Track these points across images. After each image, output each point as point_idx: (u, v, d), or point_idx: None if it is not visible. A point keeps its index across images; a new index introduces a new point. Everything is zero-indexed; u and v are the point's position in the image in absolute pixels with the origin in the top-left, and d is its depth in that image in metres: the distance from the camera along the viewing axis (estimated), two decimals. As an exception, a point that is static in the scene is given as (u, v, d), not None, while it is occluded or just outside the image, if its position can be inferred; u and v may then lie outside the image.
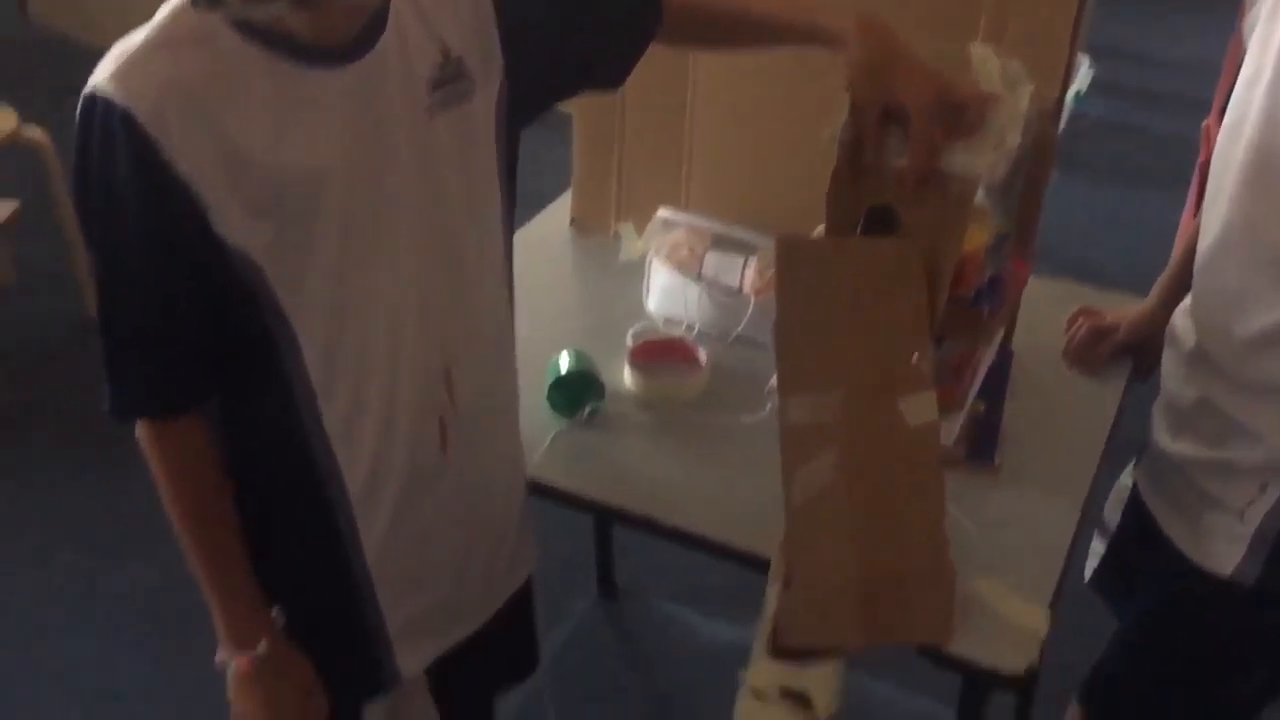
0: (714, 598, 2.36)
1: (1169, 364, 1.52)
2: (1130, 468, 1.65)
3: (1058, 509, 1.45)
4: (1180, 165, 2.82)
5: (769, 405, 1.55)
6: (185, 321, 1.10)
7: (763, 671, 1.29)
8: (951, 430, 1.47)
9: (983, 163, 1.27)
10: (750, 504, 1.43)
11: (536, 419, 1.55)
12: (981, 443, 1.51)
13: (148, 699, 2.19)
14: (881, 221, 1.32)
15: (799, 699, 1.28)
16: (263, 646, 1.22)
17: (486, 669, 1.52)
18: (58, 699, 2.19)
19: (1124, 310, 1.72)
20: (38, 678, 2.23)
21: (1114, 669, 1.58)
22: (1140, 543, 1.59)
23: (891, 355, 1.27)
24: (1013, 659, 1.25)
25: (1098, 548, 1.74)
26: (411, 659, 1.34)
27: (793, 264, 1.30)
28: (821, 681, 1.28)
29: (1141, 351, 1.71)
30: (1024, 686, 1.30)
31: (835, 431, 1.25)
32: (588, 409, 1.56)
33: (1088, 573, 1.75)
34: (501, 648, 1.53)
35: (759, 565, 1.35)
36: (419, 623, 1.33)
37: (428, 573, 1.32)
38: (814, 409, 1.25)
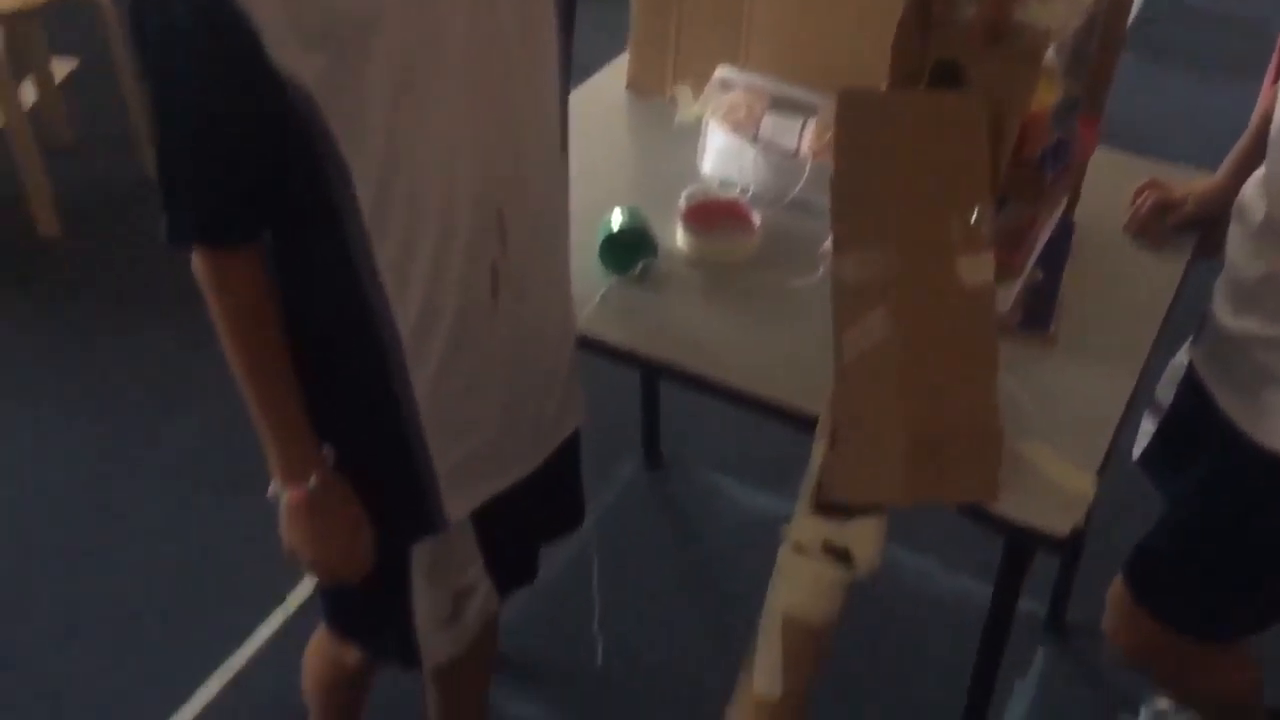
0: (758, 470, 2.37)
1: (1235, 239, 1.49)
2: (1186, 346, 1.63)
3: (1111, 380, 1.43)
4: (1260, 53, 2.71)
5: (821, 269, 1.53)
6: (240, 150, 1.10)
7: (805, 526, 1.30)
8: (1008, 297, 1.45)
9: (1056, 15, 1.22)
10: (799, 364, 1.43)
11: (588, 275, 1.54)
12: (1037, 311, 1.48)
13: (206, 540, 2.26)
14: (947, 77, 1.29)
15: (840, 554, 1.29)
16: (313, 481, 1.25)
17: (532, 519, 1.54)
18: (119, 539, 2.27)
19: (1192, 184, 1.67)
20: (101, 519, 2.31)
21: (1160, 547, 1.58)
22: (1194, 421, 1.57)
23: (951, 214, 1.25)
24: (1058, 521, 1.25)
25: (1148, 427, 1.73)
26: (458, 503, 1.37)
27: (853, 117, 1.27)
28: (863, 537, 1.28)
29: (1208, 227, 1.67)
30: (1068, 550, 1.30)
31: (889, 289, 1.24)
32: (639, 266, 1.56)
33: (1136, 451, 1.74)
34: (547, 499, 1.55)
35: (805, 424, 1.35)
36: (466, 467, 1.35)
37: (476, 418, 1.33)
38: (869, 265, 1.24)
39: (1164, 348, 1.57)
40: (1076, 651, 2.11)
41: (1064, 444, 1.33)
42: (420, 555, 1.40)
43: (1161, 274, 1.61)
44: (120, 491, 2.37)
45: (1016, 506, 1.26)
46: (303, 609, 2.12)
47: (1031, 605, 2.12)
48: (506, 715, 1.96)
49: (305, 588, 2.14)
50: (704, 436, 2.48)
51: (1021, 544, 1.32)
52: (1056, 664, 2.09)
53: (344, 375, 1.27)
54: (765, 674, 1.28)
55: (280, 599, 2.15)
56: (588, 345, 1.48)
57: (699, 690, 1.95)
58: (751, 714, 1.29)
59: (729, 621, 2.15)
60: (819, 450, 1.29)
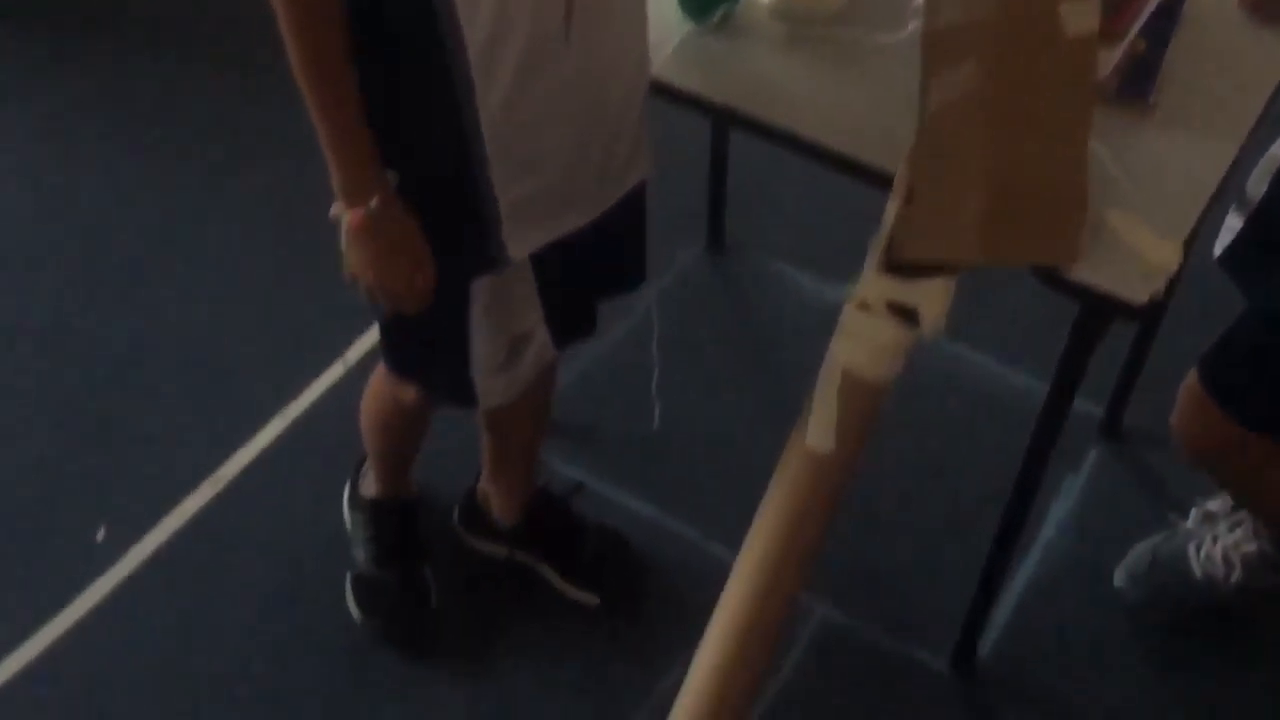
0: (822, 261, 2.33)
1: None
2: (1286, 136, 1.55)
3: (1207, 155, 1.36)
4: None
5: (911, 25, 1.46)
6: None
7: (872, 284, 1.27)
8: (1108, 62, 1.37)
9: None
10: (879, 123, 1.37)
11: (665, 20, 1.48)
12: (1137, 80, 1.41)
13: (269, 292, 2.29)
14: None
15: (905, 314, 1.27)
16: (375, 202, 1.24)
17: (593, 272, 1.53)
18: (185, 284, 2.30)
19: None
20: (167, 264, 2.34)
21: (1241, 342, 1.53)
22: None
23: (1056, -43, 1.17)
24: (1137, 289, 1.21)
25: (1233, 223, 1.65)
26: (520, 241, 1.35)
27: None
28: (931, 297, 1.26)
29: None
30: (1145, 320, 1.26)
31: (984, 35, 1.17)
32: (719, 13, 1.49)
33: (1218, 249, 1.67)
34: (609, 253, 1.53)
35: (881, 183, 1.31)
36: (530, 204, 1.33)
37: (542, 154, 1.30)
38: (964, 7, 1.17)
39: (1261, 137, 1.49)
40: (1130, 454, 2.10)
41: (1151, 213, 1.28)
42: (479, 293, 1.39)
43: (1272, 51, 1.51)
44: (187, 238, 2.39)
45: (1094, 272, 1.22)
46: (362, 363, 2.15)
47: (1089, 407, 2.10)
48: (555, 474, 2.00)
49: (365, 342, 2.17)
50: (769, 224, 2.44)
51: (1096, 312, 1.28)
52: (1108, 464, 2.08)
53: (410, 94, 1.24)
54: (819, 429, 1.28)
55: (340, 353, 2.18)
56: (660, 91, 1.43)
57: (750, 465, 1.96)
58: (801, 467, 1.29)
59: (784, 405, 2.15)
60: (893, 206, 1.25)
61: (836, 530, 1.95)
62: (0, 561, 1.92)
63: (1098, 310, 1.26)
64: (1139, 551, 1.92)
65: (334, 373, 2.15)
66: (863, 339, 1.27)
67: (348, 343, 2.19)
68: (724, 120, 1.51)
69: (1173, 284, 1.30)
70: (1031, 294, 2.23)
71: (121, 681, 1.80)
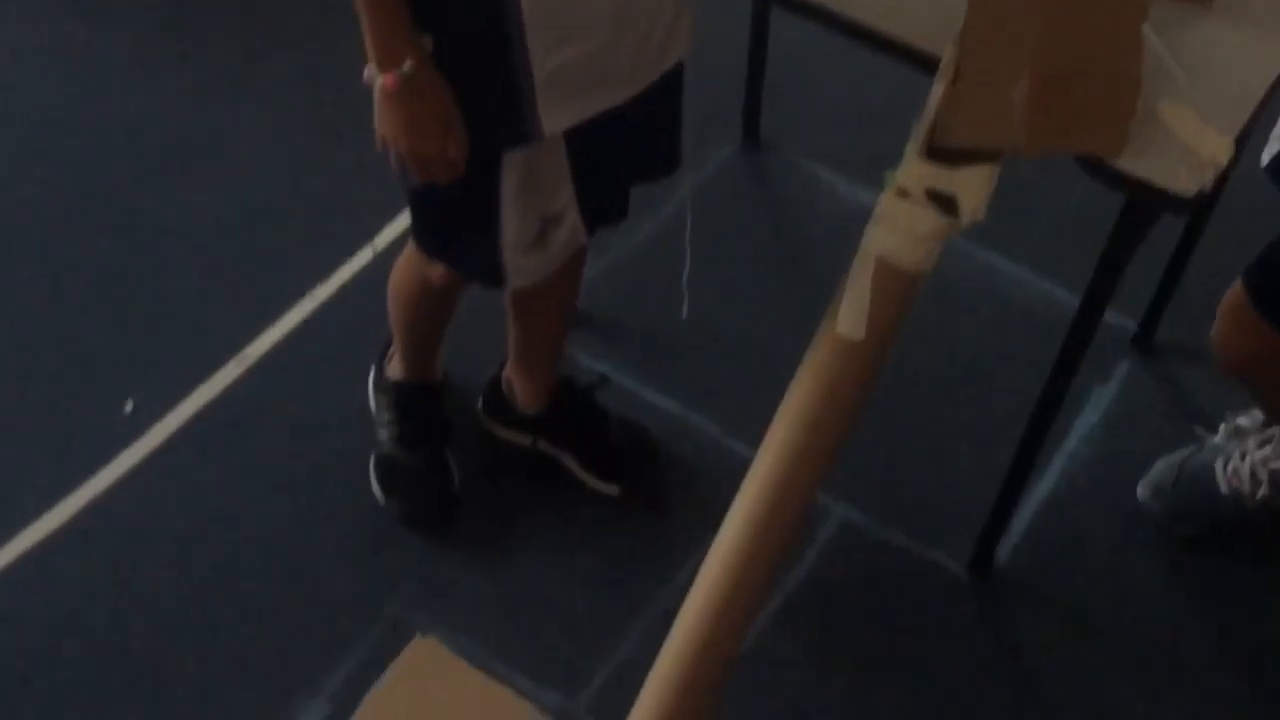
0: (859, 164, 2.29)
1: None
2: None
3: (1264, 53, 1.32)
4: None
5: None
6: None
7: (912, 170, 1.25)
8: (1167, -51, 1.33)
9: None
10: (926, 3, 1.33)
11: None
12: (1197, -30, 1.36)
13: (299, 176, 2.27)
14: None
15: (944, 202, 1.24)
16: (408, 65, 1.22)
17: (627, 154, 1.51)
18: (215, 166, 2.29)
19: None
20: (198, 145, 2.32)
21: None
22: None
23: None
24: (1185, 182, 1.18)
25: (1284, 132, 1.62)
26: (554, 114, 1.33)
27: None
28: (972, 185, 1.23)
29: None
30: (1193, 214, 1.23)
31: (1041, -89, 1.13)
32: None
33: (1266, 157, 1.63)
34: (644, 135, 1.51)
35: (925, 68, 1.27)
36: (565, 77, 1.30)
37: (581, 23, 1.27)
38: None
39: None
40: (1161, 369, 2.08)
41: (1204, 107, 1.24)
42: (511, 169, 1.38)
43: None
44: (220, 118, 2.37)
45: (1142, 163, 1.19)
46: (391, 249, 2.14)
47: (1122, 320, 2.07)
48: (580, 367, 2.00)
49: (395, 229, 2.16)
50: (806, 123, 2.40)
51: (1142, 205, 1.25)
52: (1138, 378, 2.06)
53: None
54: (850, 315, 1.26)
55: (370, 238, 2.17)
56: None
57: (775, 365, 1.95)
58: (830, 353, 1.28)
59: (813, 307, 2.13)
60: (938, 89, 1.22)
61: (859, 432, 1.95)
62: (31, 431, 1.95)
63: (1143, 202, 1.23)
64: (1164, 465, 1.91)
65: (362, 257, 2.15)
66: (899, 226, 1.25)
67: (377, 228, 2.17)
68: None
69: (1221, 181, 1.26)
70: (1070, 206, 2.25)
71: (146, 551, 1.83)
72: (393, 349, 1.90)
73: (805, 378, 1.29)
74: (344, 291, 2.11)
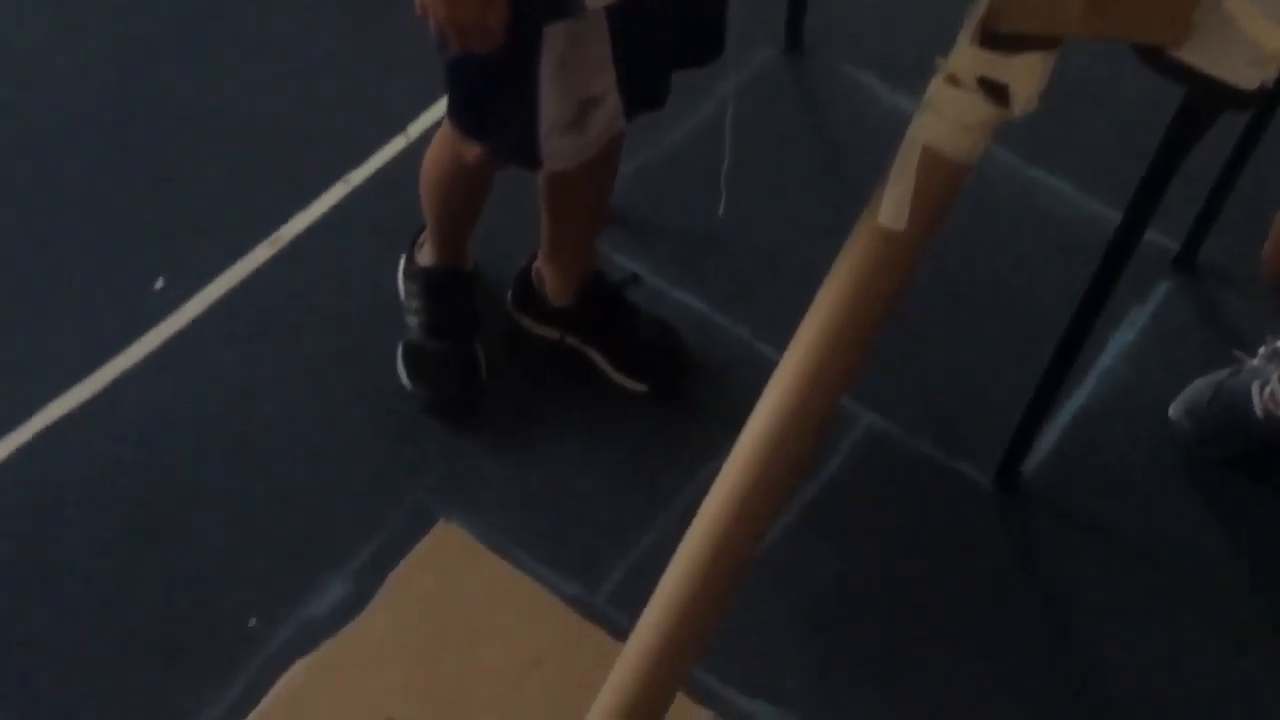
0: (903, 69, 2.24)
1: None
2: None
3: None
4: None
5: None
6: None
7: (964, 57, 1.21)
8: None
9: None
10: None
11: None
12: None
13: (331, 61, 2.24)
14: None
15: (996, 91, 1.21)
16: (451, -73, 1.19)
17: (669, 38, 1.47)
18: (247, 50, 2.26)
19: None
20: (231, 28, 2.29)
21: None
22: None
23: None
24: (1247, 75, 1.14)
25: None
26: (598, -10, 1.30)
27: None
28: (1026, 74, 1.19)
29: None
30: (1254, 111, 1.20)
31: None
32: None
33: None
34: (687, 20, 1.47)
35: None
36: (611, -51, 1.27)
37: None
38: None
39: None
40: (1201, 290, 2.04)
41: (1266, 4, 1.20)
42: (551, 44, 1.35)
43: None
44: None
45: (1202, 55, 1.15)
46: (424, 137, 2.11)
47: (1164, 240, 2.03)
48: (611, 265, 1.98)
49: (429, 117, 2.13)
50: (850, 27, 2.34)
51: (1202, 98, 1.21)
52: (1177, 299, 2.02)
53: None
54: (893, 204, 1.23)
55: (403, 126, 2.14)
56: None
57: (808, 272, 1.93)
58: (869, 244, 1.25)
59: (849, 215, 2.10)
60: (995, -29, 1.18)
61: (890, 339, 1.93)
62: (63, 304, 1.95)
63: (1203, 97, 1.19)
64: (1198, 386, 1.89)
65: (396, 145, 2.12)
66: (948, 114, 1.21)
67: (412, 116, 2.14)
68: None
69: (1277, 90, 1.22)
70: (1117, 124, 2.20)
71: (173, 426, 1.84)
72: (424, 236, 1.89)
73: (842, 268, 1.26)
74: (377, 178, 2.09)
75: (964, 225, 2.09)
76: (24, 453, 1.79)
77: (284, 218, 2.03)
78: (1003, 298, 2.03)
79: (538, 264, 1.88)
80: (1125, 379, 1.95)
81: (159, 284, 1.96)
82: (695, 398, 1.92)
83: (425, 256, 1.88)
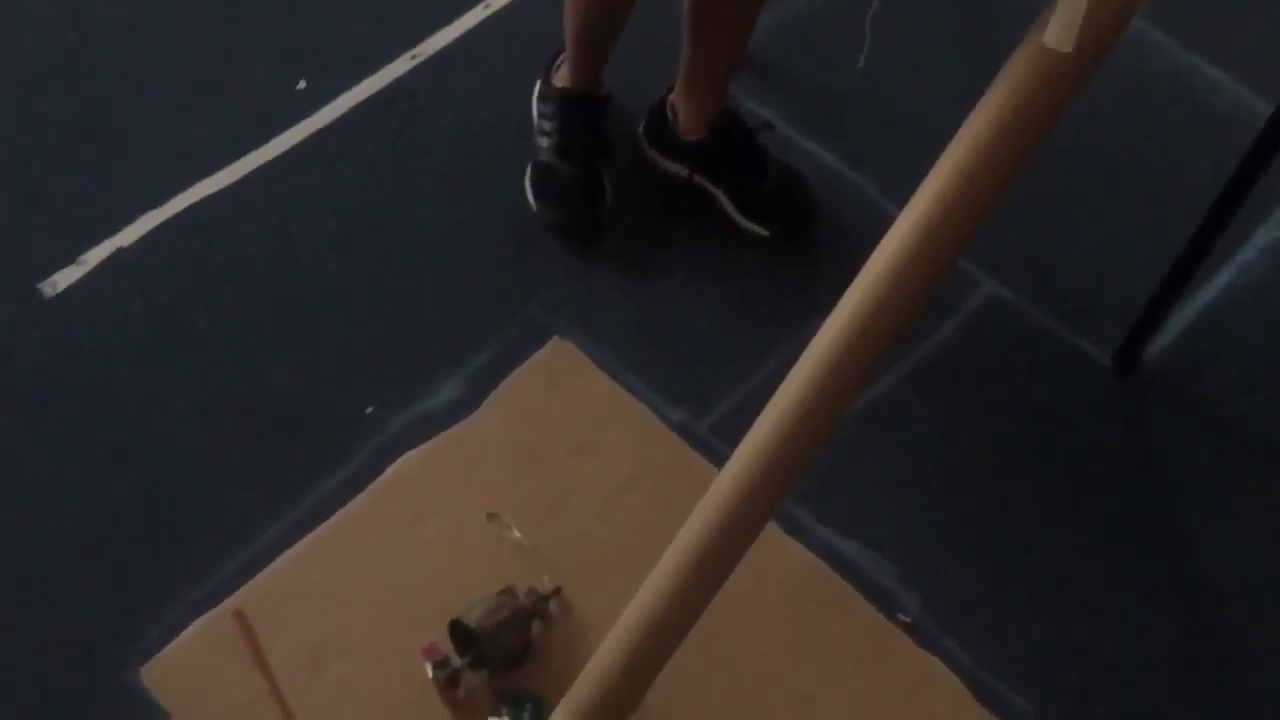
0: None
1: None
2: None
3: None
4: None
5: None
6: None
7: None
8: None
9: None
10: None
11: None
12: None
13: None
14: None
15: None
16: None
17: None
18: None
19: None
20: None
21: None
22: None
23: None
24: None
25: None
26: None
27: None
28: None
29: None
30: None
31: None
32: None
33: None
34: None
35: None
36: None
37: None
38: None
39: None
40: (1355, 196, 1.97)
41: None
42: None
43: None
44: None
45: None
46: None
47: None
48: (745, 112, 1.96)
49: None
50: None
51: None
52: (1327, 202, 1.96)
53: None
54: (1061, 25, 1.19)
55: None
56: None
57: (946, 137, 1.92)
58: (1031, 65, 1.22)
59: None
60: None
61: (1019, 206, 1.90)
62: (211, 95, 1.99)
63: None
64: (1340, 288, 1.83)
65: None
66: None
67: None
68: None
69: None
70: None
71: (305, 219, 1.88)
72: (561, 58, 1.89)
73: (996, 90, 1.23)
74: (518, 1, 2.10)
75: (1115, 103, 2.04)
76: (165, 230, 1.86)
77: (426, 33, 2.05)
78: (1146, 180, 1.98)
79: (672, 97, 1.87)
80: (1263, 276, 1.89)
81: (301, 84, 2.00)
82: (817, 249, 1.91)
83: (561, 79, 1.88)
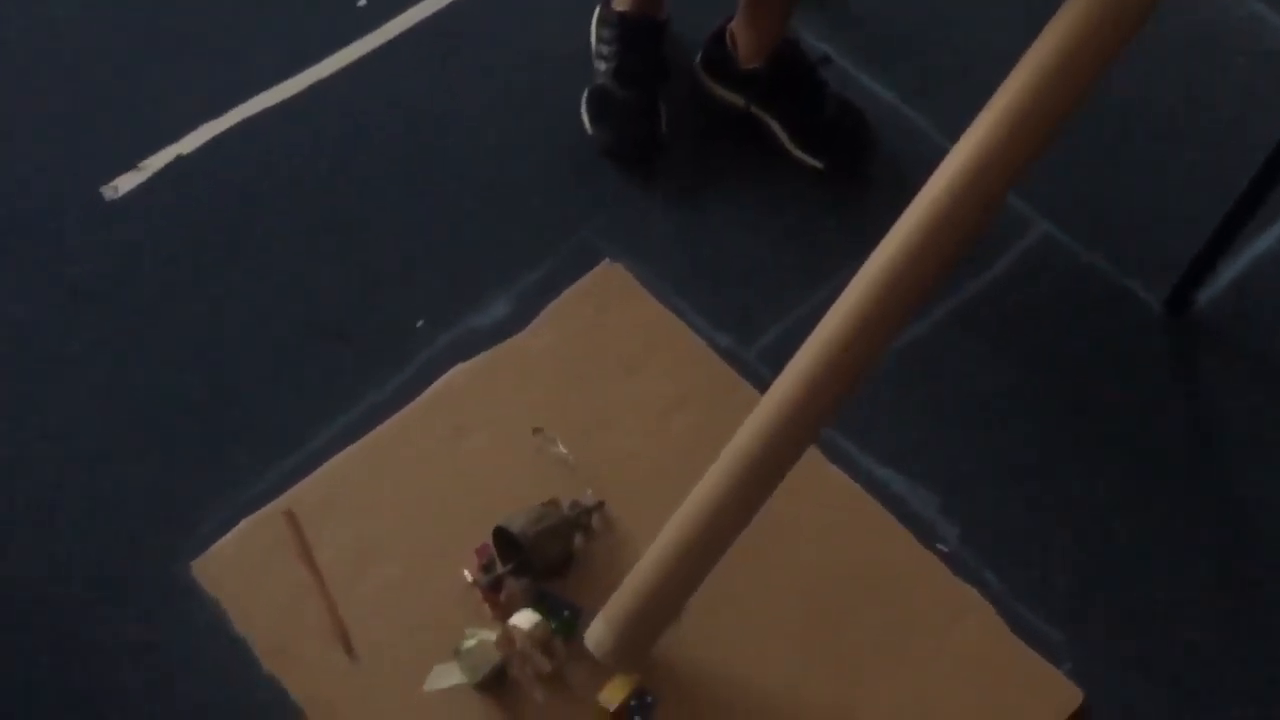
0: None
1: None
2: None
3: None
4: None
5: None
6: None
7: None
8: None
9: None
10: None
11: None
12: None
13: None
14: None
15: None
16: None
17: None
18: None
19: None
20: None
21: None
22: None
23: None
24: None
25: None
26: None
27: None
28: None
29: None
30: None
31: None
32: None
33: None
34: None
35: None
36: None
37: None
38: None
39: None
40: None
41: None
42: None
43: None
44: None
45: None
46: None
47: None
48: (804, 43, 1.95)
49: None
50: None
51: None
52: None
53: None
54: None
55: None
56: None
57: (1006, 76, 1.91)
58: (1082, 8, 1.21)
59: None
60: None
61: (1077, 149, 1.89)
62: (269, 7, 2.01)
63: None
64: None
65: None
66: None
67: None
68: None
69: None
70: None
71: (363, 134, 1.90)
72: (623, -17, 1.89)
73: (1060, 20, 1.22)
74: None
75: (1176, 51, 2.02)
76: (224, 140, 1.88)
77: (487, -45, 2.06)
78: (1205, 122, 1.96)
79: (733, 26, 1.87)
80: (1322, 227, 1.88)
81: (361, 1, 2.01)
82: (871, 184, 1.90)
83: (621, 3, 1.88)
